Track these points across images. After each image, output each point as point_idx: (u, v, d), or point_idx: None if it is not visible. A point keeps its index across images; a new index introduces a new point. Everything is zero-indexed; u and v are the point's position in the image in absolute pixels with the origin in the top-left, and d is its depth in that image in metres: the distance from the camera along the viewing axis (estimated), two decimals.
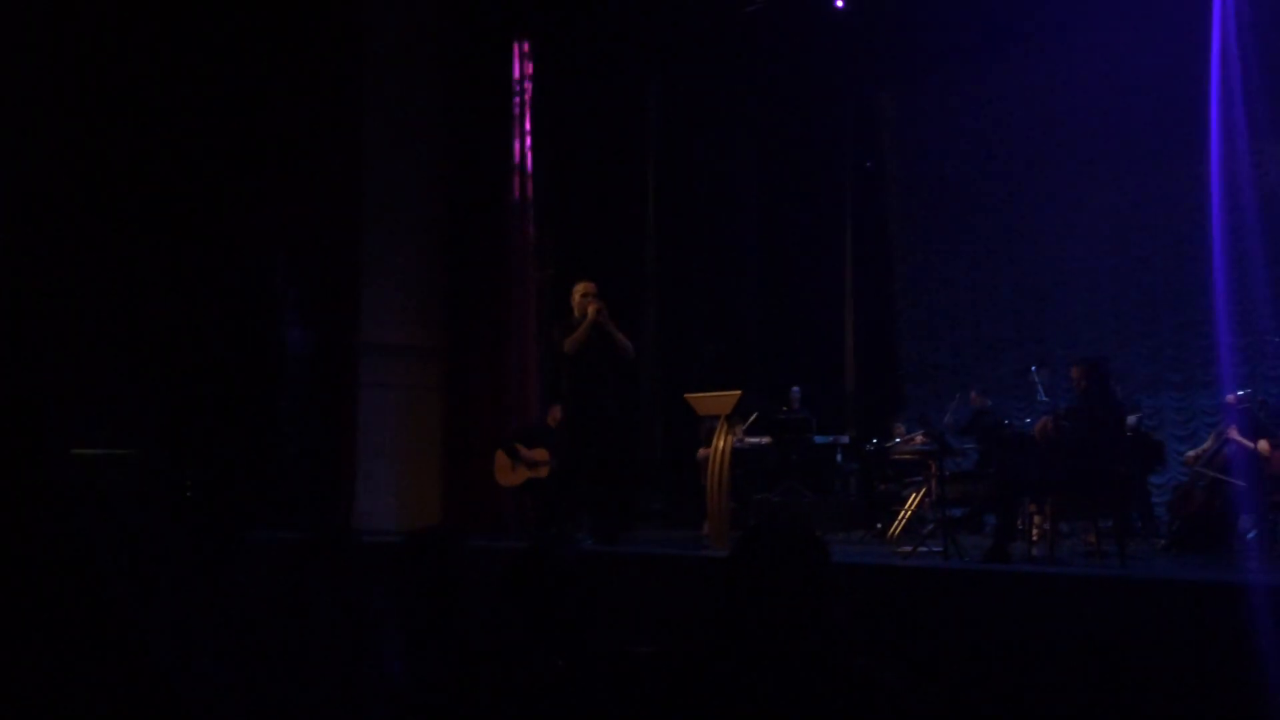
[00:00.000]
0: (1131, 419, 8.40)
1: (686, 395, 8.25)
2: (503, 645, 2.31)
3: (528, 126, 9.32)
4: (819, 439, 10.26)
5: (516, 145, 9.19)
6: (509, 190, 9.13)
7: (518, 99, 9.32)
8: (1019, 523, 6.75)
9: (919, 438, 8.75)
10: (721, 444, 7.79)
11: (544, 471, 7.95)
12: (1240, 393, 8.17)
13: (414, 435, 9.02)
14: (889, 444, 9.55)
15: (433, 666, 2.25)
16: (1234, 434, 7.60)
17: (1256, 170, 9.89)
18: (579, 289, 6.98)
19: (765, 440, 9.97)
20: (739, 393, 7.91)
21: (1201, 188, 10.18)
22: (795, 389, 10.51)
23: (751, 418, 8.63)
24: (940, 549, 6.47)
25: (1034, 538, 6.88)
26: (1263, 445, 7.49)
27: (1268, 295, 9.77)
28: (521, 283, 9.18)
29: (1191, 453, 8.27)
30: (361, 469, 8.64)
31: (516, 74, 9.35)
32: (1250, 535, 7.56)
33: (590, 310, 6.80)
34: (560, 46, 9.99)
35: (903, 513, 8.29)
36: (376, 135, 8.88)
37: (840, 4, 10.28)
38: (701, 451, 8.74)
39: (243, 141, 8.93)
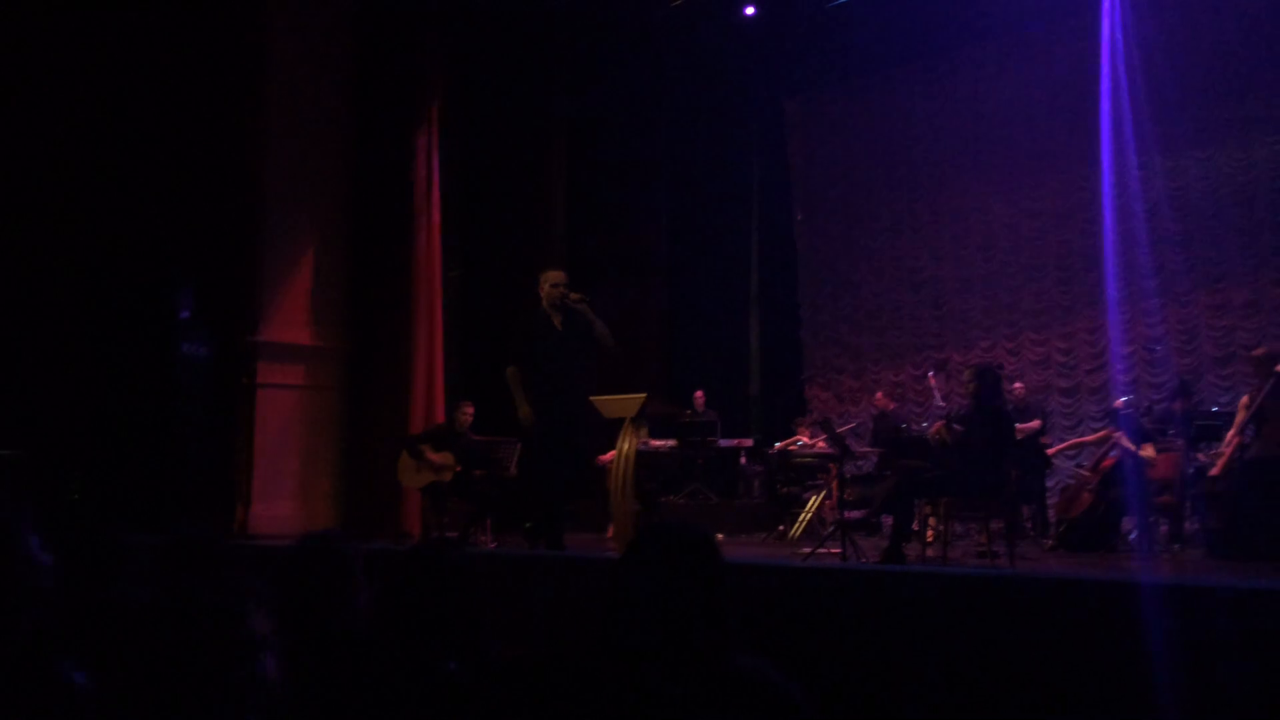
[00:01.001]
0: (1035, 424, 8.77)
1: (592, 398, 8.25)
2: (393, 648, 2.28)
3: (435, 124, 9.19)
4: (723, 442, 10.36)
5: (423, 142, 9.06)
6: (415, 188, 9.00)
7: (426, 96, 9.19)
8: (915, 524, 6.91)
9: (820, 442, 8.90)
10: (626, 447, 7.80)
11: (448, 475, 7.86)
12: (1126, 398, 8.50)
13: (314, 437, 8.83)
14: (792, 447, 9.68)
15: (318, 671, 2.21)
16: (1121, 439, 7.89)
17: (1144, 184, 10.30)
18: (549, 278, 6.59)
19: (670, 443, 10.02)
20: (644, 395, 7.93)
21: (1093, 200, 10.59)
22: (699, 392, 10.59)
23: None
24: (839, 550, 6.59)
25: (929, 538, 7.05)
26: (1147, 450, 7.81)
27: (1154, 305, 10.19)
28: (428, 282, 9.05)
29: (1051, 449, 8.62)
30: (259, 471, 8.43)
31: (427, 71, 9.23)
32: (1133, 536, 7.87)
33: (573, 299, 6.47)
34: (471, 47, 9.91)
35: (803, 515, 8.43)
36: (279, 130, 8.67)
37: (750, 12, 10.41)
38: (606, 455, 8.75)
39: (138, 136, 8.65)
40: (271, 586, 2.30)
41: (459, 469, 7.89)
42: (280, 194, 8.66)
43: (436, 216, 9.15)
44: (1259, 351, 7.20)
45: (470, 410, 8.22)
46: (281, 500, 8.50)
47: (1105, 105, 10.38)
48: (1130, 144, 10.36)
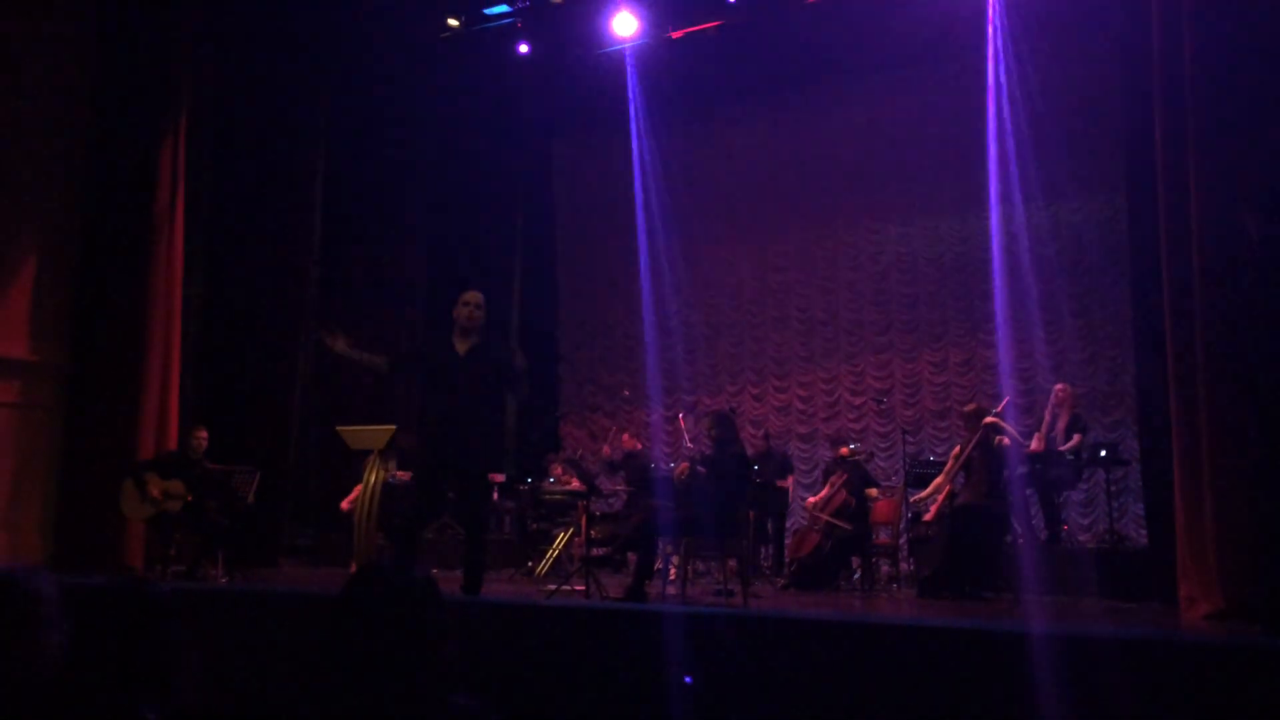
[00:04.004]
0: (789, 480, 9.29)
1: (339, 428, 8.02)
2: (86, 694, 2.13)
3: (183, 135, 8.68)
4: None
5: (168, 153, 8.54)
6: (157, 199, 8.46)
7: (174, 105, 8.68)
8: (659, 562, 7.09)
9: (572, 480, 9.00)
10: (373, 479, 7.63)
11: (176, 505, 7.39)
12: (853, 445, 9.09)
13: (27, 460, 8.07)
14: (544, 483, 9.73)
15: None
16: (846, 483, 8.42)
17: (877, 247, 11.14)
18: (464, 298, 5.97)
19: None
20: (393, 428, 7.79)
21: (830, 258, 11.35)
22: None
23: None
24: (584, 587, 6.67)
25: (671, 576, 7.25)
26: (871, 493, 8.39)
27: (878, 360, 11.02)
28: (166, 300, 8.50)
29: (811, 498, 9.07)
30: None
31: (175, 79, 8.72)
32: (856, 575, 8.40)
33: (517, 360, 5.95)
34: (229, 59, 9.48)
35: (550, 551, 8.48)
36: (0, 121, 7.96)
37: (524, 50, 10.50)
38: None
39: None
40: None
41: (190, 498, 7.44)
42: (0, 196, 7.93)
43: (180, 230, 8.63)
44: (970, 407, 7.89)
45: (204, 435, 7.78)
46: None
47: (838, 173, 11.20)
48: (865, 209, 11.20)
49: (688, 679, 4.46)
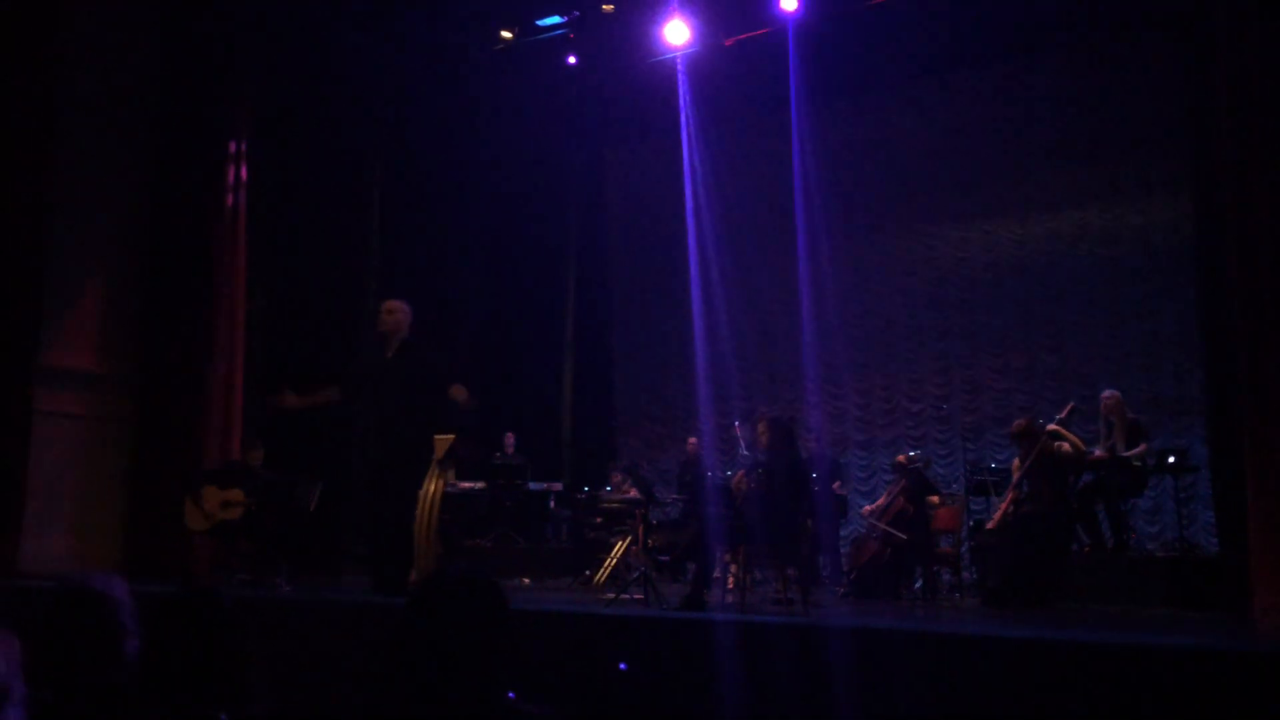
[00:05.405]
0: (836, 485, 9.18)
1: None
2: (160, 700, 2.17)
3: (245, 154, 8.88)
4: (533, 485, 10.33)
5: (231, 168, 8.73)
6: (221, 217, 8.65)
7: (236, 124, 8.88)
8: (717, 571, 7.06)
9: (630, 488, 9.00)
10: (432, 488, 7.68)
11: (237, 513, 7.51)
12: (912, 453, 8.98)
13: (98, 470, 8.28)
14: (601, 491, 9.75)
15: None
16: (904, 490, 8.32)
17: (931, 251, 11.00)
18: (385, 305, 6.59)
19: (479, 485, 9.92)
20: (452, 436, 7.85)
21: (883, 262, 11.20)
22: (509, 434, 10.54)
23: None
24: (642, 596, 6.66)
25: (730, 585, 7.21)
26: (933, 500, 8.29)
27: (938, 366, 10.86)
28: (230, 312, 8.69)
29: (868, 506, 8.97)
30: (32, 505, 7.82)
31: (237, 98, 8.92)
32: (918, 584, 8.29)
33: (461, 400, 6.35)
34: (287, 74, 9.66)
35: (608, 560, 8.48)
36: (72, 147, 8.16)
37: (573, 61, 10.57)
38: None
39: None
40: (28, 632, 2.16)
41: (253, 507, 7.56)
42: (71, 212, 8.14)
43: (242, 245, 8.82)
44: (1019, 426, 7.68)
45: (258, 455, 7.97)
46: (58, 537, 7.92)
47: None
48: (920, 213, 11.07)
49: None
